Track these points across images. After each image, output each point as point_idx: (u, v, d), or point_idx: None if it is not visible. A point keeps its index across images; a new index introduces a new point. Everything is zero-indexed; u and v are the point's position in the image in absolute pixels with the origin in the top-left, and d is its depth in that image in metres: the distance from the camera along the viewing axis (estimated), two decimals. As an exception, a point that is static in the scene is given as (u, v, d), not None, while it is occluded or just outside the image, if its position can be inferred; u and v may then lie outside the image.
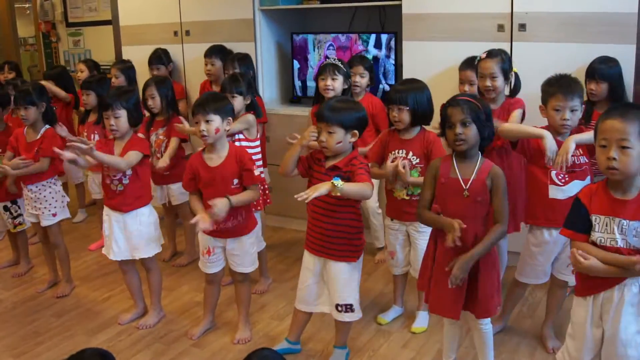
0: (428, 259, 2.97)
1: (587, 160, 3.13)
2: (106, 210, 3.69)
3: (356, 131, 3.06)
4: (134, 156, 3.51)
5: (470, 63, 3.97)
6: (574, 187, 3.09)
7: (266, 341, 3.53)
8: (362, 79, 4.37)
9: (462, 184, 2.77)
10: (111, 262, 4.03)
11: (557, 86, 3.13)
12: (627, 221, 2.37)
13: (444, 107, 2.81)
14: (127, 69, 5.31)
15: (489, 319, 2.96)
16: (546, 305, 3.47)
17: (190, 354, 3.48)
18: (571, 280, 3.21)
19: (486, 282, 2.83)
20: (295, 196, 2.78)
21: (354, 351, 3.43)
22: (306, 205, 2.98)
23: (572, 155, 3.08)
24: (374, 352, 3.45)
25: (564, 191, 3.15)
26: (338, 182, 2.81)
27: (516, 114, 3.54)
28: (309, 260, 3.22)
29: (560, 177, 3.15)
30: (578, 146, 3.10)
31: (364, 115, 3.13)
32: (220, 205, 3.18)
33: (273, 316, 3.85)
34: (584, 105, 3.17)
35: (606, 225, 2.42)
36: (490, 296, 2.85)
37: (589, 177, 3.15)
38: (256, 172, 3.43)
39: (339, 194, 2.82)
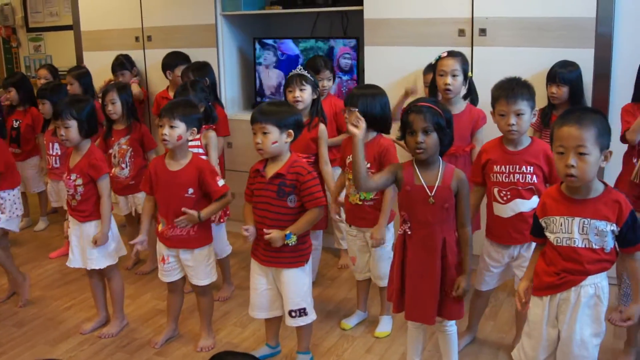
0: (394, 268, 2.98)
1: (537, 181, 3.05)
2: (70, 217, 3.66)
3: (291, 131, 3.05)
4: (105, 186, 3.54)
5: (433, 67, 3.98)
6: (516, 206, 3.07)
7: (230, 348, 3.50)
8: (329, 82, 4.38)
9: (427, 191, 2.78)
10: (73, 270, 4.00)
11: (501, 90, 3.06)
12: (589, 220, 2.41)
13: (406, 112, 2.80)
14: (82, 75, 5.21)
15: (454, 321, 2.98)
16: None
17: (154, 362, 3.46)
18: None
19: (454, 284, 2.85)
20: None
21: (318, 356, 3.43)
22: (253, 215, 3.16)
23: (520, 173, 3.05)
24: (338, 357, 3.45)
25: (504, 209, 3.12)
26: (291, 240, 3.03)
27: (479, 137, 3.58)
28: (260, 268, 3.23)
29: (502, 195, 3.11)
30: (538, 164, 3.05)
31: (299, 117, 3.14)
32: (190, 217, 3.30)
33: (236, 323, 3.83)
34: (537, 109, 3.12)
35: (561, 225, 2.46)
36: (458, 299, 2.87)
37: (535, 197, 3.05)
38: (220, 182, 3.42)
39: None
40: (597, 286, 2.46)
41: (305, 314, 3.20)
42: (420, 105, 2.77)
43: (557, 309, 2.53)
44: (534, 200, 3.04)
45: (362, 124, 2.76)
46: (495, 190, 3.12)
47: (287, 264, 3.13)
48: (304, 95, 3.86)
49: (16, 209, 4.11)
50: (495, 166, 3.11)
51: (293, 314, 3.18)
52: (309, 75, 3.91)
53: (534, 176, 3.04)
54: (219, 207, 3.42)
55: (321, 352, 3.48)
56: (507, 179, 3.08)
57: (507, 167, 3.08)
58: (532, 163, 3.04)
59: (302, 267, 3.16)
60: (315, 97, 3.93)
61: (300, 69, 3.96)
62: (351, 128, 2.77)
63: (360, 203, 3.47)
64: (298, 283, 3.16)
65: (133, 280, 4.46)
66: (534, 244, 2.91)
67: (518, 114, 3.00)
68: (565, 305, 2.50)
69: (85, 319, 3.89)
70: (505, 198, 3.10)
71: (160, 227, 3.40)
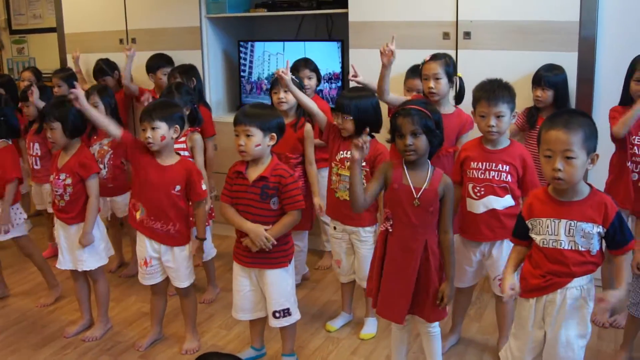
0: (374, 264, 2.98)
1: (511, 180, 3.08)
2: (56, 219, 3.65)
3: (274, 134, 3.06)
4: (93, 185, 3.54)
5: (415, 71, 4.00)
6: (489, 202, 3.10)
7: (215, 350, 3.50)
8: (310, 81, 4.38)
9: (414, 192, 2.78)
10: (56, 273, 3.98)
11: (482, 92, 3.10)
12: (575, 222, 2.43)
13: (395, 116, 2.81)
14: (69, 77, 5.20)
15: (438, 322, 2.98)
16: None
17: (138, 365, 3.44)
18: (497, 292, 3.27)
19: (435, 285, 2.85)
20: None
21: (303, 358, 3.44)
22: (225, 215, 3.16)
23: (496, 171, 3.09)
24: (323, 359, 3.45)
25: (477, 204, 3.14)
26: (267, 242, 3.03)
27: (464, 141, 3.57)
28: (243, 270, 3.22)
29: (476, 191, 3.14)
30: (514, 161, 3.09)
31: (281, 120, 3.15)
32: (197, 246, 3.49)
33: (221, 325, 3.82)
34: (517, 111, 3.14)
35: (548, 227, 2.48)
36: (445, 305, 2.88)
37: (509, 196, 3.10)
38: (204, 186, 3.43)
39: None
40: (582, 288, 2.48)
41: (289, 314, 3.20)
42: (409, 108, 2.78)
43: (544, 311, 2.55)
44: (507, 199, 3.10)
45: (366, 150, 2.79)
46: (470, 186, 3.16)
47: (270, 264, 3.13)
48: (289, 96, 3.87)
49: (20, 213, 4.10)
50: (472, 162, 3.15)
51: (277, 314, 3.18)
52: (293, 77, 3.90)
53: (509, 175, 3.08)
54: (203, 217, 3.45)
55: (306, 354, 3.48)
56: (482, 175, 3.12)
57: (484, 164, 3.12)
58: (508, 163, 3.08)
59: (285, 268, 3.17)
60: None
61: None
62: (354, 152, 2.77)
63: (349, 199, 3.46)
64: (282, 283, 3.16)
65: (117, 283, 4.44)
66: (504, 244, 2.95)
67: (498, 116, 3.05)
68: (552, 306, 2.51)
69: (69, 322, 3.87)
70: (478, 194, 3.14)
71: (138, 215, 3.38)
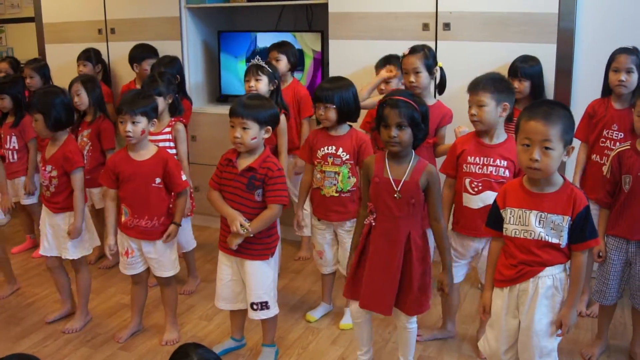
0: (352, 256, 2.99)
1: (508, 175, 3.10)
2: (43, 207, 3.66)
3: (269, 127, 3.07)
4: (78, 179, 3.51)
5: (386, 61, 3.99)
6: (487, 197, 3.10)
7: (195, 342, 3.48)
8: (278, 63, 4.37)
9: (394, 185, 2.79)
10: (35, 265, 3.96)
11: (470, 84, 3.16)
12: (545, 213, 2.45)
13: (381, 105, 2.80)
14: (41, 67, 5.12)
15: (415, 318, 2.99)
16: None
17: (118, 357, 3.42)
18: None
19: (418, 278, 2.85)
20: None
21: (284, 349, 3.44)
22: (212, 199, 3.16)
23: (494, 166, 3.11)
24: (303, 349, 3.46)
25: (474, 200, 3.16)
26: (244, 229, 3.01)
27: (442, 133, 3.62)
28: (226, 259, 3.22)
29: (473, 186, 3.15)
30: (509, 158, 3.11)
31: (276, 112, 3.16)
32: (173, 231, 3.39)
33: (202, 317, 3.82)
34: (504, 104, 3.12)
35: (520, 218, 2.51)
36: (422, 292, 2.88)
37: None
38: (184, 177, 3.42)
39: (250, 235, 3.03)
40: (554, 277, 2.51)
41: (267, 308, 3.20)
42: (396, 99, 2.77)
43: (517, 300, 2.57)
44: None
45: None
46: (467, 181, 3.16)
47: (251, 255, 3.13)
48: (259, 85, 3.90)
49: None
50: (469, 157, 3.16)
51: (255, 306, 3.18)
52: (265, 66, 3.96)
53: (507, 170, 3.10)
54: (184, 205, 3.44)
55: (286, 344, 3.49)
56: (480, 170, 3.13)
57: (482, 159, 3.13)
58: (506, 158, 3.10)
59: (266, 261, 3.16)
60: (273, 88, 3.97)
61: (258, 60, 4.01)
62: None
63: (336, 195, 3.47)
64: (261, 276, 3.16)
65: (97, 274, 4.42)
66: None
67: (479, 105, 3.07)
68: (524, 295, 2.54)
69: (48, 314, 3.85)
70: (476, 189, 3.14)
71: (123, 218, 3.39)
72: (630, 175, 3.03)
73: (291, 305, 3.92)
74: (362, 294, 2.93)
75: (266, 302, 3.19)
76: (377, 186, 2.83)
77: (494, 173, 3.11)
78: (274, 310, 3.23)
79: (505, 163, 3.10)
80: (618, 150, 3.11)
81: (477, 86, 3.10)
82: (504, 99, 3.11)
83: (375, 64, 4.13)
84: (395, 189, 2.78)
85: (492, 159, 3.11)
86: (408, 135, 2.75)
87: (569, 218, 2.43)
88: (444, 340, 3.51)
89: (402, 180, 2.78)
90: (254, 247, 3.12)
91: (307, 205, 3.72)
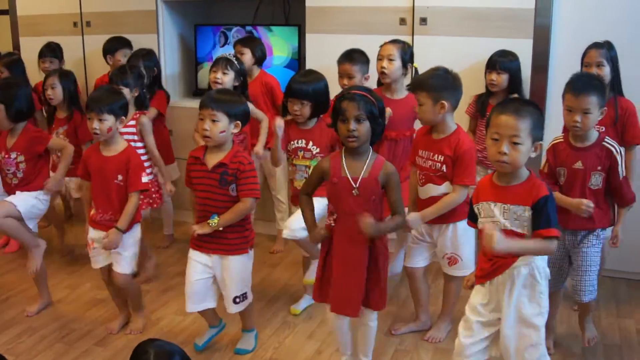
0: (319, 262, 2.98)
1: (445, 171, 3.13)
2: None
3: (239, 122, 3.05)
4: (57, 142, 3.82)
5: (347, 57, 3.85)
6: (429, 189, 3.21)
7: (170, 337, 3.47)
8: (242, 57, 4.35)
9: (352, 182, 2.76)
10: (9, 261, 3.92)
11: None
12: (508, 205, 2.49)
13: (339, 100, 2.78)
14: (13, 62, 5.02)
15: (376, 314, 2.99)
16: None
17: (93, 352, 3.40)
18: (450, 272, 3.36)
19: (381, 274, 2.86)
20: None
21: (259, 343, 3.44)
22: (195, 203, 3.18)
23: (432, 160, 3.17)
24: (280, 343, 3.46)
25: (421, 190, 3.26)
26: (213, 222, 3.02)
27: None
28: (200, 256, 3.20)
29: (420, 177, 3.24)
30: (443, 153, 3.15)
31: (247, 109, 3.16)
32: (112, 236, 3.29)
33: (177, 312, 3.80)
34: (443, 101, 3.08)
35: (486, 211, 2.55)
36: (384, 288, 2.89)
37: (446, 184, 3.16)
38: (145, 179, 3.40)
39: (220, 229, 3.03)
40: (530, 266, 2.52)
41: (246, 298, 3.24)
42: (354, 93, 2.76)
43: (497, 294, 2.59)
44: (446, 186, 3.17)
45: None
46: (418, 172, 3.27)
47: (233, 250, 3.13)
48: (225, 79, 3.95)
49: None
50: (419, 150, 3.25)
51: (237, 299, 3.19)
52: (235, 62, 3.99)
53: (444, 165, 3.15)
54: (132, 209, 3.34)
55: (263, 339, 3.49)
56: (424, 163, 3.22)
57: (426, 152, 3.21)
58: (443, 153, 3.14)
59: (247, 254, 3.18)
60: (237, 84, 4.01)
61: (229, 54, 4.04)
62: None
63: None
64: (243, 270, 3.18)
65: (72, 270, 4.39)
66: (449, 229, 3.15)
67: (419, 104, 3.14)
68: (503, 287, 2.56)
69: (23, 310, 3.82)
70: (422, 181, 3.24)
71: (92, 211, 3.41)
72: (564, 167, 3.08)
73: (267, 300, 3.92)
74: (332, 299, 2.90)
75: (245, 293, 3.22)
76: (335, 187, 2.80)
77: (432, 167, 3.18)
78: (250, 298, 3.28)
79: (442, 158, 3.14)
80: (552, 142, 3.16)
81: (415, 86, 3.20)
82: (439, 96, 3.09)
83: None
84: (354, 185, 2.76)
85: (431, 154, 3.18)
86: (366, 128, 2.72)
87: (529, 208, 2.45)
88: (419, 332, 3.52)
89: (360, 176, 2.76)
90: (233, 242, 3.12)
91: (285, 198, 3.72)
